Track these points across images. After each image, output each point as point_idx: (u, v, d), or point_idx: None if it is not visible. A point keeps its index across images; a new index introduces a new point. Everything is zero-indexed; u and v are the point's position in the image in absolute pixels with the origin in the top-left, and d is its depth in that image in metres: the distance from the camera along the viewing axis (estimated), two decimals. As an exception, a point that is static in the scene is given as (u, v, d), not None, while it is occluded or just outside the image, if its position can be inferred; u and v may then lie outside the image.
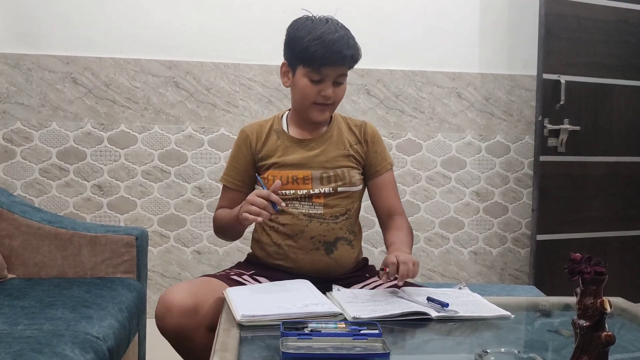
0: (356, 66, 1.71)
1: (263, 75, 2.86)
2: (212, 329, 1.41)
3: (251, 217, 1.50)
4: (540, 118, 2.73)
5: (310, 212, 1.69)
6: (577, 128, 2.80)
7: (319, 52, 1.59)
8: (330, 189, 1.70)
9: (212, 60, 2.84)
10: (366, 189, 1.81)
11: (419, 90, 2.98)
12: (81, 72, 2.77)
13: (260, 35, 2.82)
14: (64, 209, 2.79)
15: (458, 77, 3.00)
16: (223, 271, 1.73)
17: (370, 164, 1.77)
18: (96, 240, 2.09)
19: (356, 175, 1.74)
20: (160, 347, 1.53)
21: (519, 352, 1.02)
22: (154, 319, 1.51)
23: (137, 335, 2.03)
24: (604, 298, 0.97)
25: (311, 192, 1.69)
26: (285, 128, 1.76)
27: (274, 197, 1.51)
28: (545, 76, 2.71)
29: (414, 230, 1.78)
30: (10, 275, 2.03)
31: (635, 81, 2.90)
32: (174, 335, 1.49)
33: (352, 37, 1.65)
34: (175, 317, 1.45)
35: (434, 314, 1.35)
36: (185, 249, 2.89)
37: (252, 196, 1.53)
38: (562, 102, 2.74)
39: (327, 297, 1.47)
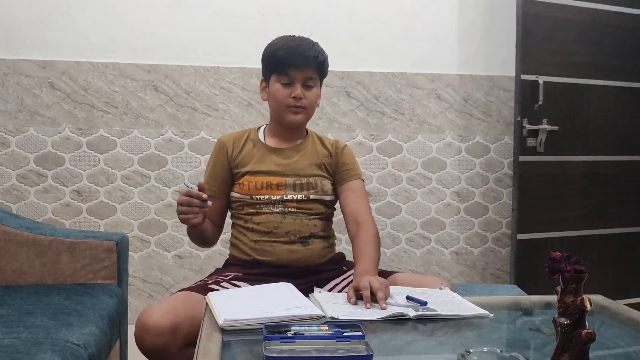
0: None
1: (243, 79, 2.85)
2: (192, 345, 1.39)
3: (184, 216, 1.59)
4: (519, 118, 2.75)
5: (284, 210, 1.76)
6: (556, 128, 2.83)
7: (284, 56, 1.74)
8: (303, 196, 1.77)
9: (192, 63, 2.82)
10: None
11: (398, 92, 2.99)
12: (58, 76, 2.74)
13: (239, 39, 2.81)
14: (42, 215, 2.75)
15: (437, 78, 3.02)
16: (202, 280, 1.74)
17: (338, 173, 1.85)
18: (76, 246, 2.06)
19: (328, 185, 1.82)
20: (141, 353, 1.52)
21: (501, 351, 1.03)
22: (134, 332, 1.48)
23: (118, 342, 2.01)
24: (584, 296, 0.98)
25: (284, 197, 1.76)
26: (262, 138, 1.85)
27: (194, 192, 1.57)
28: (524, 77, 2.73)
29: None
30: (-13, 283, 2.00)
31: (609, 81, 2.94)
32: (153, 356, 1.47)
33: (319, 45, 1.79)
34: (152, 339, 1.44)
35: (412, 313, 1.36)
36: (166, 254, 2.87)
37: (179, 200, 1.61)
38: (540, 103, 2.76)
39: (309, 298, 1.47)
